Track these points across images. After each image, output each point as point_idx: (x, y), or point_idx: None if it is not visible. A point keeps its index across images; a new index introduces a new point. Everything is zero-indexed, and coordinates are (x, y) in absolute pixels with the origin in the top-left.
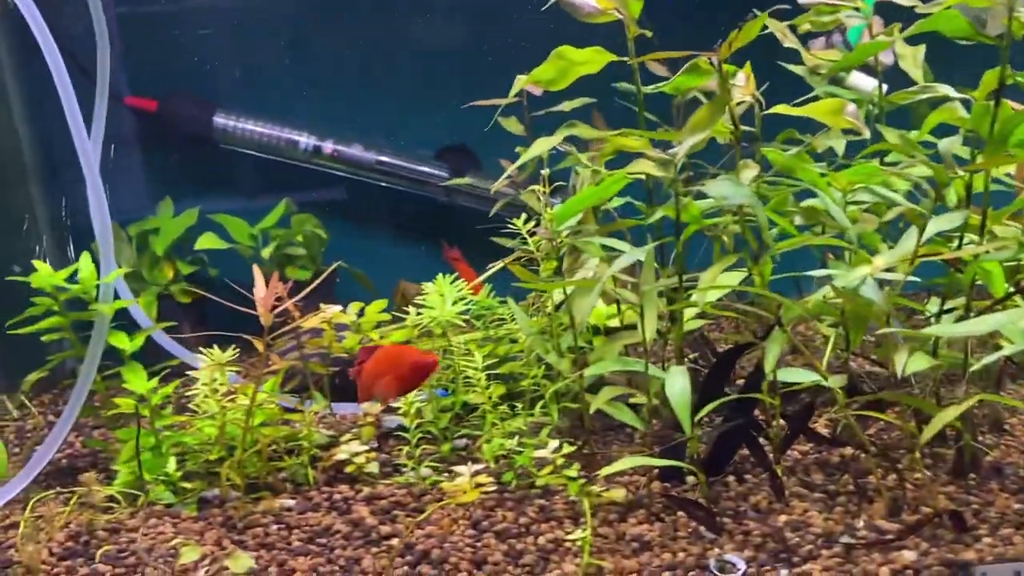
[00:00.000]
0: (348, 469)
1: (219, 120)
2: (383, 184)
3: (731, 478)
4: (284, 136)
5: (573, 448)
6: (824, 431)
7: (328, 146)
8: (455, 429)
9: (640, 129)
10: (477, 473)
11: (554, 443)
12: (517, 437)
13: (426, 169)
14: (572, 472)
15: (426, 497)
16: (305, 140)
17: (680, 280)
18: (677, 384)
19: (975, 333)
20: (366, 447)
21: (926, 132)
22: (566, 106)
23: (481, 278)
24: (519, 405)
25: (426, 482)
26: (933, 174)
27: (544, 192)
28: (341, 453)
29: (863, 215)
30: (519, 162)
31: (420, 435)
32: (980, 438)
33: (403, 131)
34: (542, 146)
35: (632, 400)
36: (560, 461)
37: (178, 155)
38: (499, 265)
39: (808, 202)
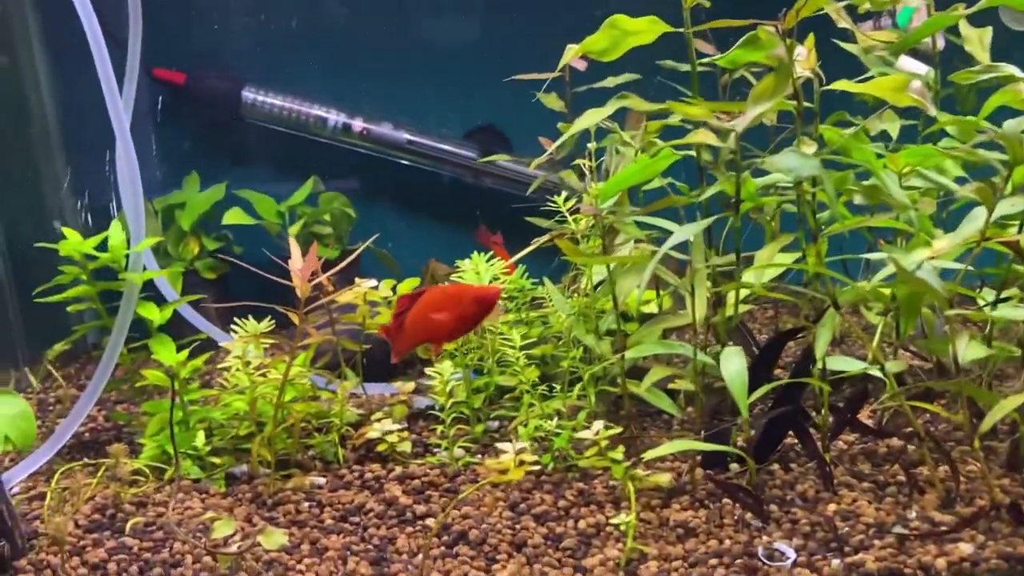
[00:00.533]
0: (380, 448)
1: (247, 94)
2: (408, 163)
3: (776, 466)
4: (313, 112)
5: (616, 430)
6: (868, 423)
7: (358, 124)
8: (488, 411)
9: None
10: (521, 451)
11: (598, 424)
12: (555, 419)
13: (455, 149)
14: (617, 454)
15: (460, 478)
16: (334, 117)
17: (738, 259)
18: (733, 365)
19: None
20: (398, 426)
21: (985, 115)
22: (609, 82)
23: (517, 256)
24: (556, 386)
25: (459, 463)
26: (1007, 152)
27: (590, 167)
28: (373, 431)
29: (921, 198)
30: (567, 135)
31: (453, 415)
32: None
33: (432, 110)
34: (592, 118)
35: (669, 386)
36: (604, 443)
37: (206, 129)
38: (537, 243)
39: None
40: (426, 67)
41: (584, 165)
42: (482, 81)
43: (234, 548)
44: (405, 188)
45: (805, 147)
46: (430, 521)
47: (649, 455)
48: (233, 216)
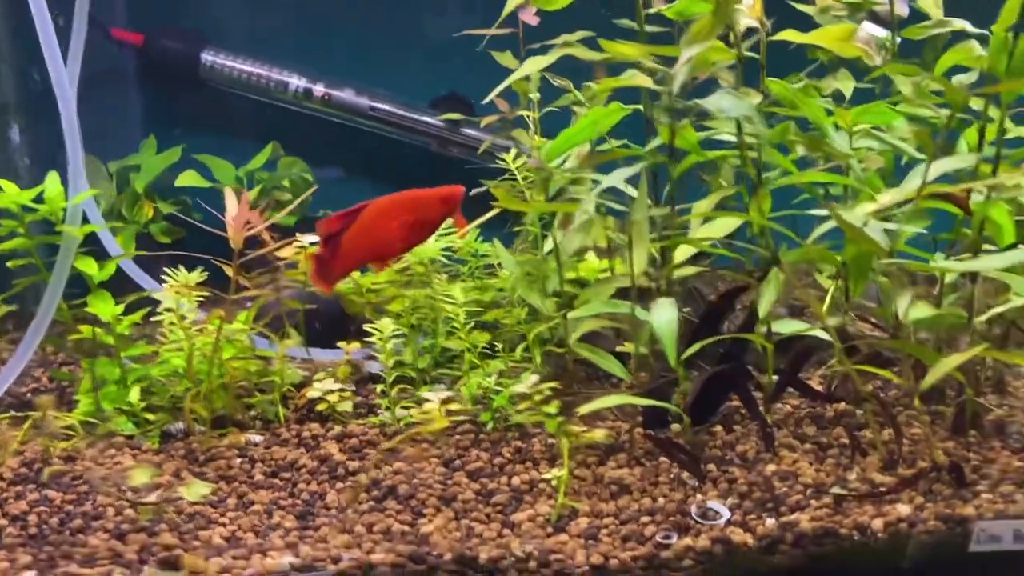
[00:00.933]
0: (320, 407)
1: (207, 57)
2: (372, 130)
3: (719, 428)
4: (273, 76)
5: (553, 384)
6: (818, 388)
7: (319, 89)
8: (435, 373)
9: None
10: (448, 400)
11: (533, 378)
12: (496, 377)
13: (420, 117)
14: (551, 409)
15: (399, 437)
16: (295, 82)
17: (672, 208)
18: (664, 315)
19: (985, 270)
20: (339, 385)
21: (939, 74)
22: (562, 40)
23: (477, 223)
24: (499, 345)
25: (400, 423)
26: (946, 97)
27: (535, 118)
28: (314, 391)
29: (869, 155)
30: (507, 82)
31: (396, 375)
32: (982, 398)
33: (398, 78)
34: (534, 65)
35: (619, 349)
36: (539, 397)
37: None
38: (493, 212)
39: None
40: (393, 34)
41: (528, 117)
42: (450, 48)
43: (154, 498)
44: (367, 155)
45: (749, 98)
46: (362, 477)
47: (584, 409)
48: (186, 179)
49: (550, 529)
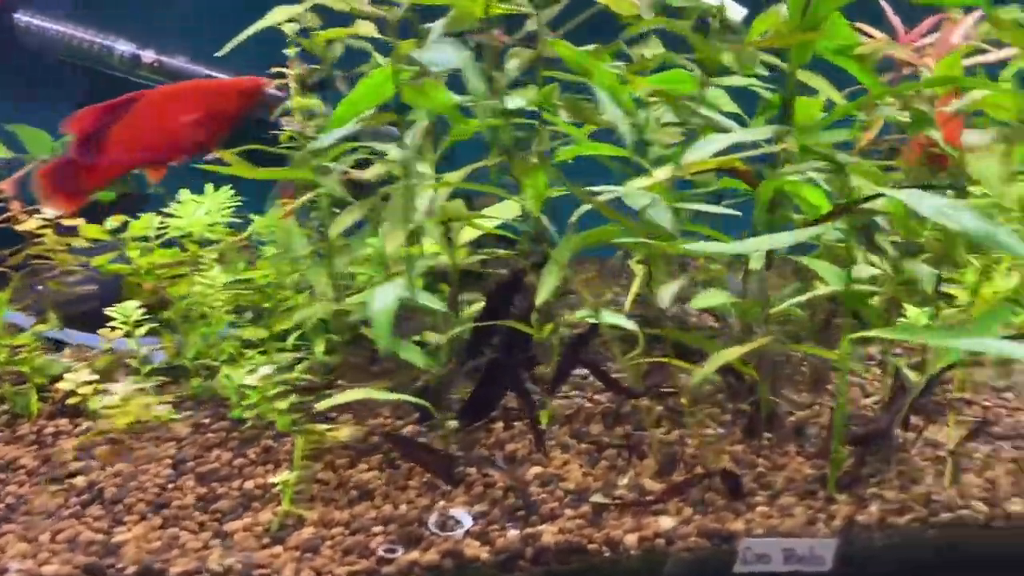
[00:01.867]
0: (70, 401)
1: (21, 17)
2: None
3: (499, 424)
4: (97, 41)
5: (294, 376)
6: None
7: (149, 55)
8: (198, 363)
9: None
10: (140, 391)
11: (266, 368)
12: (253, 369)
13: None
14: (282, 404)
15: (148, 435)
16: (122, 47)
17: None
18: (386, 297)
19: (772, 247)
20: (94, 377)
21: (754, 36)
22: None
23: (297, 203)
24: (264, 335)
25: (160, 420)
26: (696, 52)
27: (296, 76)
28: (66, 383)
29: (663, 128)
30: (242, 36)
31: (156, 367)
32: (796, 396)
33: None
34: (276, 16)
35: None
36: (272, 391)
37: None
38: (312, 193)
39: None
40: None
41: (289, 74)
42: None
43: None
44: None
45: (513, 59)
46: (79, 479)
47: (321, 406)
48: None
49: (267, 540)
